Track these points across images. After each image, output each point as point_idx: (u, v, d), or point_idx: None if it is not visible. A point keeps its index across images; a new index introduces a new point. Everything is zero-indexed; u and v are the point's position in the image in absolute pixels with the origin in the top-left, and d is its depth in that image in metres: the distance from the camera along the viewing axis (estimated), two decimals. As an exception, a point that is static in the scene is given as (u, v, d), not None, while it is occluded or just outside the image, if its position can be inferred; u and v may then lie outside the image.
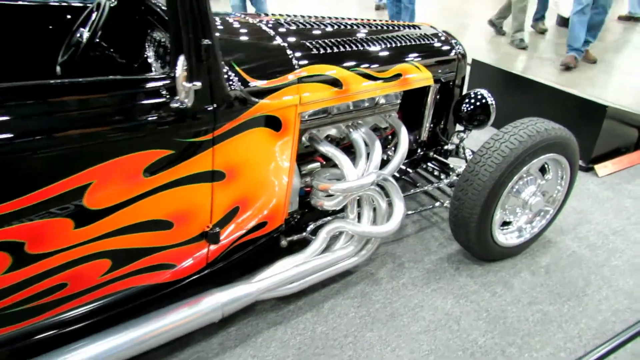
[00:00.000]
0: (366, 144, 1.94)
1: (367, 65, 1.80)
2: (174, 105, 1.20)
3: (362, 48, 1.82)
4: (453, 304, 1.89)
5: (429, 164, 2.42)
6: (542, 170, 2.02)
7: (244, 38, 1.59)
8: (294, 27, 1.77)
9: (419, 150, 2.37)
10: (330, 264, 1.82)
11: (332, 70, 1.68)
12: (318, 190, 1.82)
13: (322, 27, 1.86)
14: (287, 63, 1.57)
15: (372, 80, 1.81)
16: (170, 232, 1.41)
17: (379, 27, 2.04)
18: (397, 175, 2.27)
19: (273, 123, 1.54)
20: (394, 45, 1.94)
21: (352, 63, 1.75)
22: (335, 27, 1.90)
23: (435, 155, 2.38)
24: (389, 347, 1.71)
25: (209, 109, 1.30)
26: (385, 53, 1.89)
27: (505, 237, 2.06)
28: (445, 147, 2.37)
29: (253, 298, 1.64)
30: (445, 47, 2.15)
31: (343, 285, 1.97)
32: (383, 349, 1.70)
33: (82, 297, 1.34)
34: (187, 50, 1.18)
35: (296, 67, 1.57)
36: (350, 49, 1.78)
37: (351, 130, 1.95)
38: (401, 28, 2.12)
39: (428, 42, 2.08)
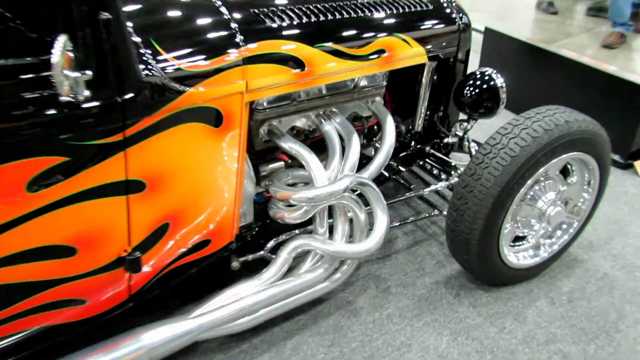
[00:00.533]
0: (342, 138, 1.87)
1: (338, 39, 1.70)
2: (64, 99, 1.10)
3: (331, 18, 1.72)
4: (450, 342, 1.81)
5: (427, 160, 2.36)
6: (564, 172, 1.94)
7: (171, 9, 1.48)
8: None
9: (412, 144, 2.30)
10: (293, 292, 1.74)
11: (289, 47, 1.58)
12: (277, 198, 1.73)
13: None
14: (229, 39, 1.46)
15: (346, 58, 1.71)
16: (73, 260, 1.32)
17: None
18: (386, 174, 2.21)
19: (210, 117, 1.44)
20: (374, 14, 1.83)
21: (318, 37, 1.66)
22: None
23: (432, 151, 2.30)
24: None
25: (115, 101, 1.19)
26: (363, 24, 1.79)
27: (516, 257, 1.98)
28: (446, 139, 2.29)
29: (191, 338, 1.55)
30: (444, 15, 2.04)
31: (312, 317, 1.89)
32: None
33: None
34: (74, 27, 1.07)
35: (241, 44, 1.47)
36: (315, 20, 1.68)
37: (322, 120, 1.88)
38: None
39: (421, 8, 1.97)
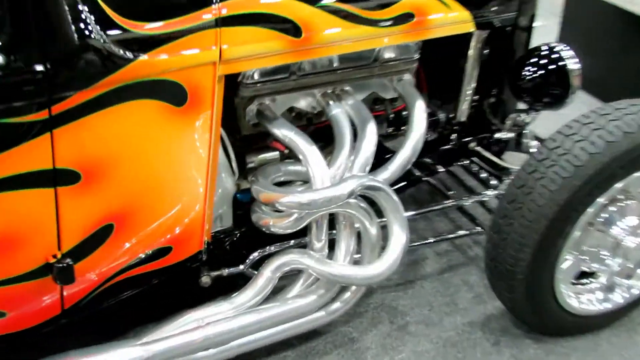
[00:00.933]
0: (354, 126, 1.79)
1: None
2: None
3: None
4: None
5: (472, 161, 2.27)
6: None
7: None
8: None
9: (453, 138, 2.21)
10: (275, 322, 1.69)
11: (280, 5, 1.51)
12: (259, 200, 1.69)
13: None
14: None
15: (358, 23, 1.63)
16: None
17: None
18: (418, 174, 2.15)
19: (169, 93, 1.38)
20: None
21: None
22: None
23: (479, 149, 2.20)
24: None
25: (36, 70, 1.15)
26: None
27: (579, 300, 1.83)
28: (498, 134, 2.19)
29: None
30: None
31: (301, 354, 1.84)
32: None
33: None
34: None
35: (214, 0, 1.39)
36: None
37: (330, 102, 1.80)
38: None
39: None
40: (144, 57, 1.29)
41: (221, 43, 1.41)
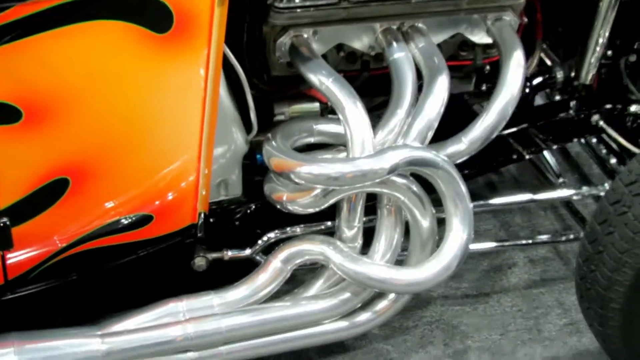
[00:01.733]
0: (421, 78, 1.71)
1: None
2: None
3: None
4: None
5: (595, 139, 2.16)
6: None
7: None
8: None
9: (572, 106, 2.05)
10: (279, 327, 1.70)
11: None
12: (270, 167, 1.65)
13: None
14: None
15: None
16: None
17: None
18: (519, 150, 2.05)
19: (149, 13, 1.37)
20: None
21: None
22: None
23: (605, 126, 2.03)
24: None
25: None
26: None
27: None
28: (634, 107, 2.06)
29: None
30: None
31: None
32: None
33: None
34: None
35: None
36: None
37: (394, 41, 1.71)
38: None
39: None
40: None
41: None
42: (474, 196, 2.19)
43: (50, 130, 1.42)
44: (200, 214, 1.70)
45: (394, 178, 1.58)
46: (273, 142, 1.64)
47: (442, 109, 1.67)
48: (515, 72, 1.75)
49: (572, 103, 2.09)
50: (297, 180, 1.58)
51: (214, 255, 1.76)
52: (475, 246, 2.06)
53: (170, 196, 1.66)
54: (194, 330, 1.60)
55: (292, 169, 1.56)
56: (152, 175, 1.61)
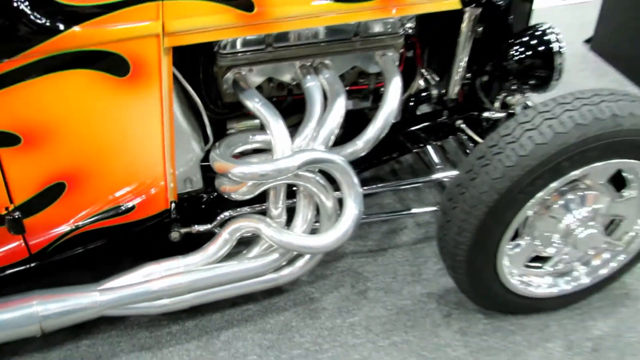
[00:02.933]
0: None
1: None
2: None
3: None
4: (412, 374, 1.63)
5: (464, 136, 2.07)
6: (620, 181, 1.58)
7: None
8: None
9: (444, 113, 2.03)
10: (224, 280, 1.65)
11: None
12: (214, 169, 1.62)
13: None
14: None
15: None
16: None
17: None
18: (409, 146, 2.00)
19: (109, 64, 1.31)
20: None
21: None
22: None
23: (464, 126, 2.00)
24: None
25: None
26: None
27: (524, 283, 1.68)
28: (486, 114, 1.98)
29: (93, 313, 1.55)
30: None
31: (262, 309, 1.80)
32: None
33: None
34: None
35: (162, -29, 1.29)
36: None
37: (307, 74, 1.68)
38: None
39: None
40: (76, 29, 1.23)
41: (164, 16, 1.31)
42: (380, 180, 2.23)
43: (44, 150, 1.38)
44: (171, 202, 1.65)
45: (305, 173, 1.55)
46: (217, 150, 1.62)
47: (341, 120, 1.63)
48: (393, 92, 1.71)
49: (445, 112, 2.02)
50: (232, 178, 1.55)
51: (185, 230, 1.70)
52: (376, 216, 2.07)
53: (145, 192, 1.61)
54: (164, 285, 1.57)
55: (228, 169, 1.53)
56: (128, 179, 1.56)
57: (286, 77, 1.73)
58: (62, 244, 1.58)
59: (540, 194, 1.45)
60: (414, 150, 2.05)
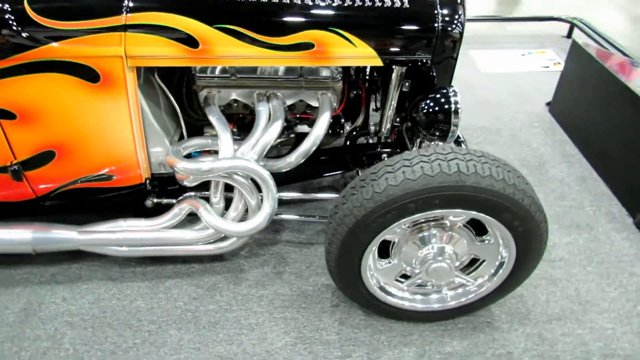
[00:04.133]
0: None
1: (247, 24, 1.39)
2: None
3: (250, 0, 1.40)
4: (287, 344, 1.54)
5: None
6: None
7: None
8: None
9: (379, 148, 1.89)
10: (163, 242, 1.65)
11: (179, 22, 1.35)
12: (168, 164, 1.58)
13: None
14: (112, 5, 1.31)
15: (256, 45, 1.40)
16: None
17: None
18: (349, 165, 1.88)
19: (83, 73, 1.35)
20: (312, 3, 1.42)
21: (221, 18, 1.37)
22: None
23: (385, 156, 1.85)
24: (175, 356, 1.51)
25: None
26: (289, 13, 1.41)
27: (389, 294, 1.54)
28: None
29: (72, 246, 1.61)
30: (416, 16, 1.49)
31: (203, 269, 1.77)
32: (170, 355, 1.51)
33: None
34: None
35: (125, 11, 1.31)
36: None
37: (260, 100, 1.64)
38: None
39: (383, 4, 1.47)
40: (53, 44, 1.28)
41: (126, 43, 1.33)
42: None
43: (34, 126, 1.41)
44: (146, 179, 1.66)
45: (238, 177, 1.51)
46: (173, 148, 1.59)
47: (275, 138, 1.58)
48: (321, 125, 1.62)
49: (379, 145, 1.89)
50: (176, 171, 1.52)
51: (156, 200, 1.71)
52: (300, 217, 1.96)
53: (120, 168, 1.60)
54: (124, 237, 1.60)
55: (174, 164, 1.50)
56: (105, 158, 1.56)
57: (247, 101, 1.69)
58: (59, 194, 1.62)
59: (393, 225, 1.31)
60: (355, 170, 1.90)
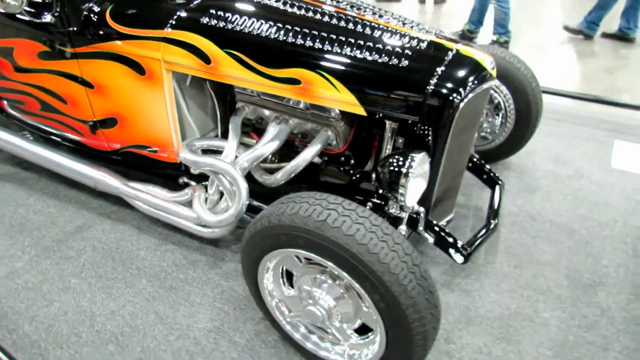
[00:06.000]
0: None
1: (249, 53, 1.66)
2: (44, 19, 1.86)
3: (255, 33, 1.67)
4: (203, 328, 1.76)
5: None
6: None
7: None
8: None
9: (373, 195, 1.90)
10: (160, 209, 1.99)
11: (200, 42, 1.70)
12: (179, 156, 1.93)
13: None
14: (161, 22, 1.75)
15: (252, 71, 1.67)
16: (66, 106, 2.09)
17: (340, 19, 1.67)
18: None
19: (134, 65, 1.80)
20: (310, 45, 1.61)
21: (229, 44, 1.68)
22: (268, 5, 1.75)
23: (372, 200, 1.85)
24: (131, 298, 1.90)
25: (65, 29, 1.84)
26: (285, 50, 1.63)
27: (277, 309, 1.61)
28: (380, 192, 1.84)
29: (116, 192, 2.11)
30: (408, 78, 1.53)
31: (197, 247, 2.11)
32: (129, 295, 1.92)
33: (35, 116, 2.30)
34: None
35: (167, 28, 1.75)
36: (238, 29, 1.68)
37: (274, 120, 1.88)
38: (377, 27, 1.64)
39: (381, 59, 1.55)
40: (117, 41, 1.80)
41: (163, 50, 1.76)
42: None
43: (104, 96, 1.89)
44: (180, 161, 1.93)
45: (220, 175, 1.73)
46: (186, 142, 1.91)
47: (269, 153, 1.78)
48: (308, 152, 1.76)
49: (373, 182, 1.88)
50: (179, 157, 1.87)
51: (186, 180, 2.02)
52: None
53: (160, 143, 1.95)
54: (147, 198, 1.99)
55: (179, 152, 1.86)
56: (147, 131, 1.94)
57: (266, 118, 1.95)
58: (123, 153, 2.13)
59: (280, 250, 1.42)
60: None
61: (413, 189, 1.55)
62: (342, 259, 1.26)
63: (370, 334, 1.47)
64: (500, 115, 2.45)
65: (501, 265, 2.01)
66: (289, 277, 1.58)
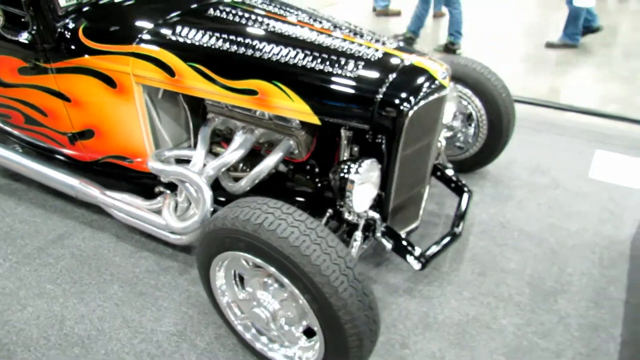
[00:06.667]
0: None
1: (210, 65, 1.76)
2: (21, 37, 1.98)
3: (216, 47, 1.76)
4: (167, 332, 1.83)
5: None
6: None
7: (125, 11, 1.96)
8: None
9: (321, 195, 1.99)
10: (144, 220, 2.03)
11: (165, 56, 1.80)
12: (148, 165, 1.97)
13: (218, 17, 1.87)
14: (130, 38, 1.86)
15: (213, 83, 1.76)
16: (47, 119, 2.21)
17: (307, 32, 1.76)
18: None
19: (105, 79, 1.91)
20: (267, 57, 1.70)
21: (193, 58, 1.77)
22: (236, 19, 1.85)
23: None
24: (101, 302, 1.98)
25: (41, 46, 1.96)
26: (243, 62, 1.73)
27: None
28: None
29: (94, 201, 2.20)
30: (359, 83, 1.60)
31: (171, 254, 2.20)
32: (101, 300, 2.00)
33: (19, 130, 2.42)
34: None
35: (135, 43, 1.86)
36: (201, 45, 1.78)
37: (241, 130, 1.95)
38: (334, 39, 1.73)
39: (332, 68, 1.62)
40: (87, 57, 1.91)
41: (132, 65, 1.86)
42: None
43: (80, 109, 2.00)
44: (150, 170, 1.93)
45: (187, 183, 1.79)
46: (155, 152, 1.96)
47: (233, 162, 1.83)
48: (270, 160, 1.82)
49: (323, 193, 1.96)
50: (149, 167, 1.90)
51: (162, 189, 2.03)
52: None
53: (134, 154, 2.06)
54: (122, 206, 2.06)
55: (148, 162, 1.90)
56: (125, 145, 2.05)
57: (235, 127, 2.02)
58: (102, 163, 2.24)
59: (228, 252, 1.48)
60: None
61: (359, 194, 1.60)
62: (277, 261, 1.32)
63: (315, 336, 1.51)
64: (473, 125, 2.49)
65: (465, 272, 2.03)
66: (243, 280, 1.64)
